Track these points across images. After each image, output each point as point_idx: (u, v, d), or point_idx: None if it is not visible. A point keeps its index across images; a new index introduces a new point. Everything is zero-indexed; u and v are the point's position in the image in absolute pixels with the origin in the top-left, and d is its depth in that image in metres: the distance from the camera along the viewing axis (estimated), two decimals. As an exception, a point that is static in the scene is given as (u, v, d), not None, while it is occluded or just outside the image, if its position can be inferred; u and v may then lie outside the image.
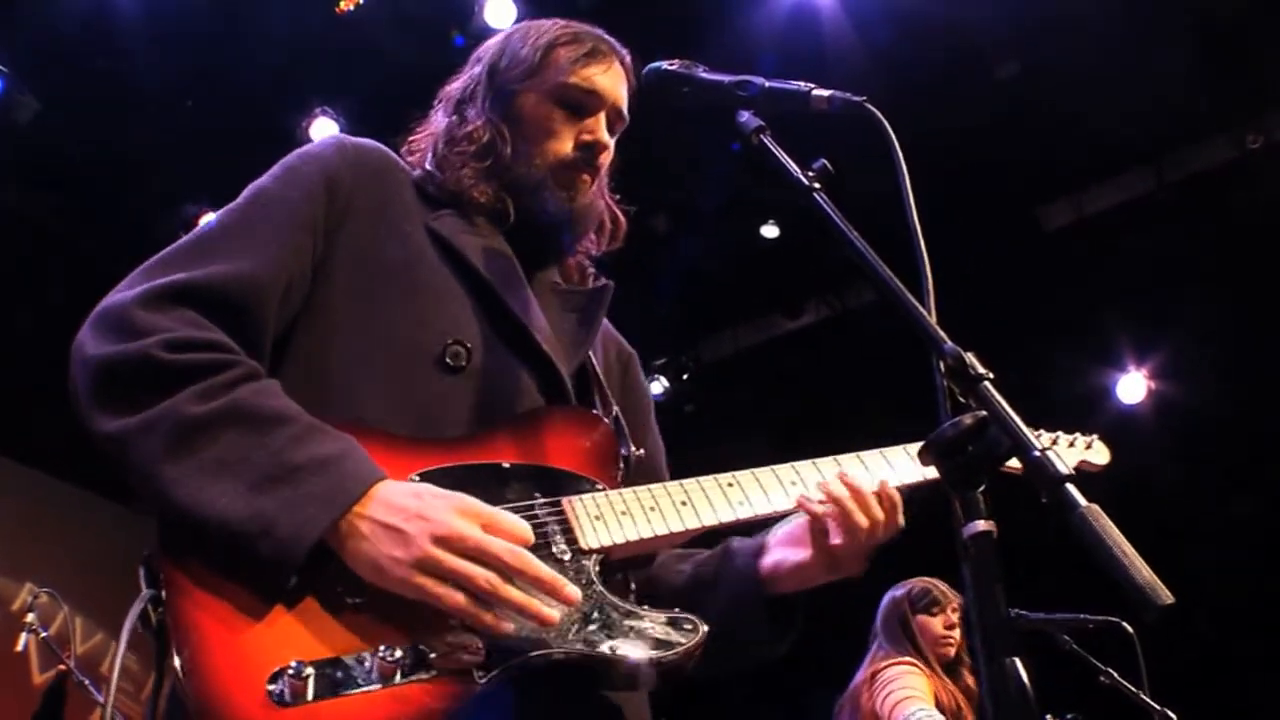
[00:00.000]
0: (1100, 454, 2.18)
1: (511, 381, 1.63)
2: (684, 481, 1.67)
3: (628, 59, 1.88)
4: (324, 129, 6.32)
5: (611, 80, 1.82)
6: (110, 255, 6.84)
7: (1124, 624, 3.68)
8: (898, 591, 4.43)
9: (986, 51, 6.25)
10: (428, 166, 1.81)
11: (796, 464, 1.74)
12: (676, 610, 1.50)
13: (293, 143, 6.25)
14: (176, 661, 1.29)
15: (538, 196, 1.76)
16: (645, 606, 1.50)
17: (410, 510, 1.35)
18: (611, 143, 1.84)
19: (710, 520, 1.63)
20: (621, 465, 1.68)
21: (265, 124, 6.37)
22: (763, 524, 1.74)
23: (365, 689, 1.29)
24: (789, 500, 1.68)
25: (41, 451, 7.78)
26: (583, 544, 1.51)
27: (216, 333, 1.46)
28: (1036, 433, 2.05)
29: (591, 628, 1.43)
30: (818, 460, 1.75)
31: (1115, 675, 3.75)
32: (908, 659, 4.18)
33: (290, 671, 1.27)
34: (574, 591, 1.38)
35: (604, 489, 1.60)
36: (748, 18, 5.89)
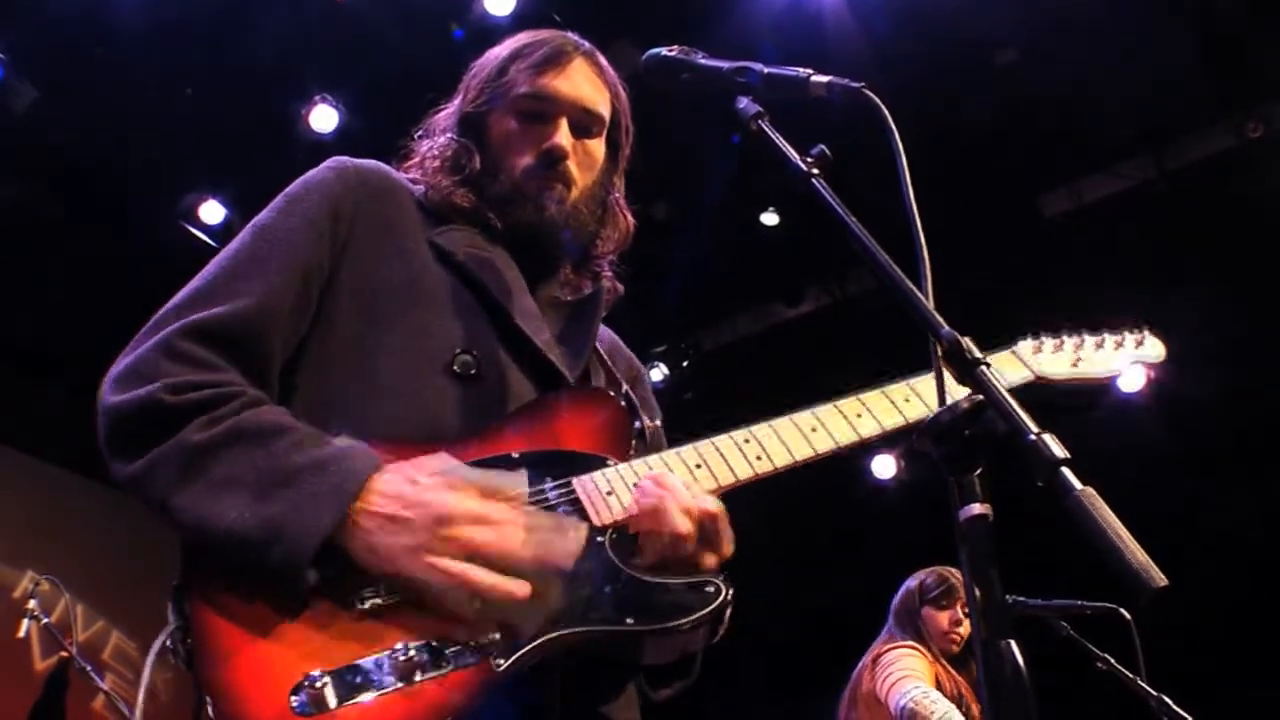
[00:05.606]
0: (1154, 347, 2.09)
1: (519, 388, 1.64)
2: (698, 444, 1.63)
3: (598, 56, 1.87)
4: (323, 117, 6.31)
5: (571, 82, 1.80)
6: (108, 245, 6.83)
7: (1121, 610, 3.70)
8: (912, 581, 4.44)
9: (986, 39, 6.24)
10: (425, 183, 1.83)
11: (817, 409, 1.70)
12: (697, 576, 1.48)
13: (292, 131, 6.30)
14: (204, 685, 1.31)
15: (511, 210, 1.77)
16: (664, 574, 1.48)
17: (409, 497, 1.38)
18: (577, 144, 1.80)
19: (728, 480, 1.60)
20: (635, 439, 1.67)
21: (264, 112, 6.36)
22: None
23: (384, 691, 1.31)
24: (811, 449, 1.65)
25: (43, 439, 7.80)
26: (595, 521, 1.51)
27: (223, 371, 1.49)
28: (1079, 338, 1.99)
29: (608, 604, 1.42)
30: (839, 402, 1.71)
31: (1112, 661, 3.76)
32: (910, 643, 4.21)
33: (307, 682, 1.29)
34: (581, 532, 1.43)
35: (615, 464, 1.58)
36: (747, 7, 5.87)
